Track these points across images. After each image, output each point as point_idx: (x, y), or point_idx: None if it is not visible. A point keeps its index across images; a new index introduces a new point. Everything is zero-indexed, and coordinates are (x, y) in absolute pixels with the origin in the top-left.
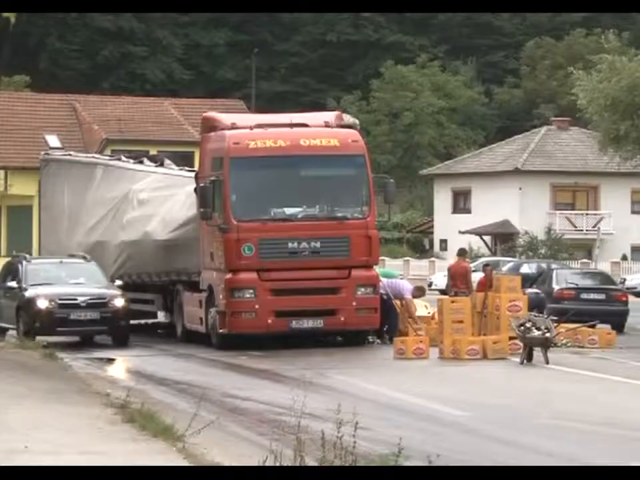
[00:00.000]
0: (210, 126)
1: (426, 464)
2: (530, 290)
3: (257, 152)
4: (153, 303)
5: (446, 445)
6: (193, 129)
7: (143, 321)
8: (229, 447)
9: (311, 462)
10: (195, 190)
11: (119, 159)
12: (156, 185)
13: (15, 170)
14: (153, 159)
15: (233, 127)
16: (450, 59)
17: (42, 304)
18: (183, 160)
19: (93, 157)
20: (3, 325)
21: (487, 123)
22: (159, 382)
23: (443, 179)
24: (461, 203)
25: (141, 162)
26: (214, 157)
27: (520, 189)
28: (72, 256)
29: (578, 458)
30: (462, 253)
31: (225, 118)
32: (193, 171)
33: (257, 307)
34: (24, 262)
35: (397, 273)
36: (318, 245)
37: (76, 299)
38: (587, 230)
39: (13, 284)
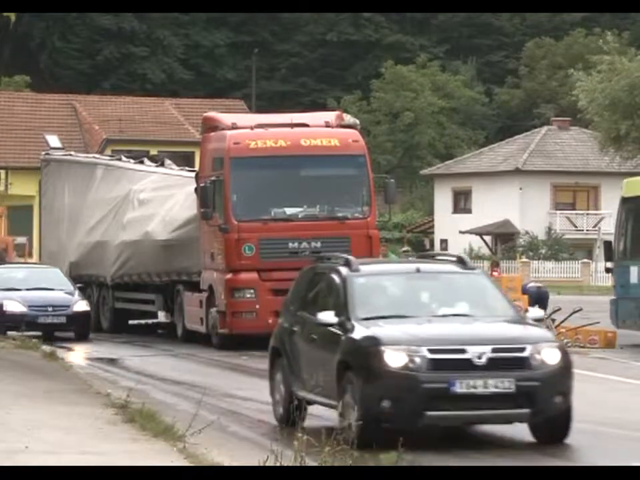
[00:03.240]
0: (210, 126)
1: (426, 464)
2: (531, 284)
3: (257, 152)
4: (153, 303)
5: (446, 444)
6: (193, 129)
7: (143, 321)
8: (229, 447)
9: (311, 462)
10: (195, 190)
11: (119, 159)
12: (156, 185)
13: (15, 170)
14: (153, 158)
15: (234, 126)
16: (450, 59)
17: (394, 359)
18: (183, 160)
19: (94, 157)
20: (308, 396)
21: (487, 122)
22: (160, 382)
23: (443, 179)
24: (461, 202)
25: (141, 162)
26: (214, 156)
27: (520, 188)
28: (433, 257)
29: (578, 458)
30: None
31: (226, 118)
32: (193, 170)
33: (257, 306)
34: (344, 272)
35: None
36: (318, 244)
37: (464, 350)
38: (587, 230)
39: (327, 317)
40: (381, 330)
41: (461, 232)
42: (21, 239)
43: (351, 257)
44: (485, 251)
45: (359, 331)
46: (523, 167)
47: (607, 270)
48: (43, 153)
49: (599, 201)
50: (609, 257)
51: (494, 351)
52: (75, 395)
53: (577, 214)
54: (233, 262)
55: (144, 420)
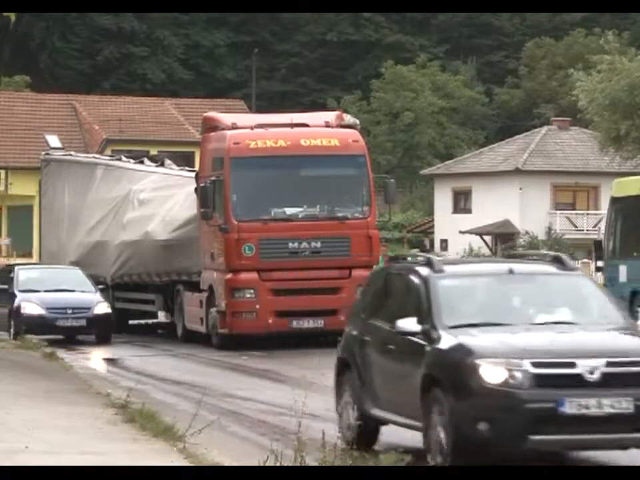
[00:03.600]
0: (210, 126)
1: (426, 464)
2: None
3: (257, 152)
4: (153, 303)
5: None
6: (193, 129)
7: (143, 321)
8: (229, 447)
9: (311, 462)
10: (195, 190)
11: (119, 159)
12: (156, 185)
13: (15, 170)
14: (153, 158)
15: (234, 126)
16: (450, 59)
17: (492, 374)
18: (183, 160)
19: (94, 157)
20: (384, 415)
21: (487, 122)
22: (160, 382)
23: (443, 179)
24: (461, 202)
25: (141, 162)
26: (214, 156)
27: (520, 188)
28: (524, 256)
29: (579, 458)
30: None
31: (226, 118)
32: (193, 170)
33: (257, 306)
34: (426, 273)
35: None
36: (318, 244)
37: (573, 364)
38: (587, 230)
39: (409, 324)
40: (473, 340)
41: (460, 232)
42: (4, 241)
43: (432, 256)
44: (485, 250)
45: (447, 341)
46: (523, 167)
47: (597, 269)
48: (43, 153)
49: (599, 200)
50: (599, 256)
51: (608, 364)
52: (75, 395)
53: (576, 214)
54: (233, 262)
55: (144, 420)
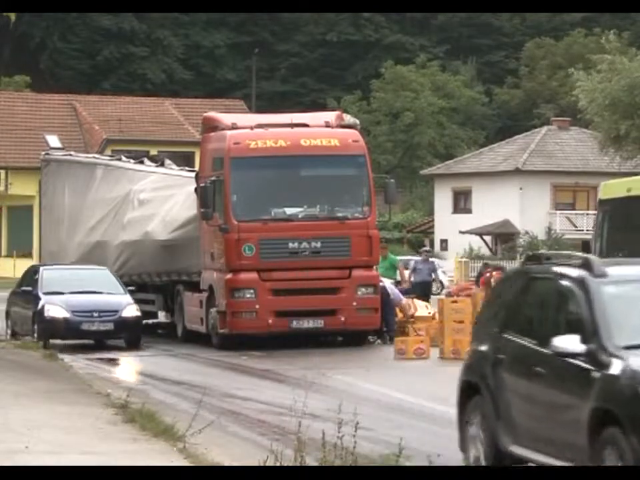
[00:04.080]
0: (210, 126)
1: (426, 464)
2: None
3: (257, 152)
4: (153, 303)
5: (446, 444)
6: (193, 129)
7: (143, 321)
8: (229, 447)
9: (311, 462)
10: (196, 190)
11: (119, 159)
12: (156, 185)
13: (15, 170)
14: (153, 159)
15: (234, 127)
16: (450, 59)
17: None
18: (183, 160)
19: (93, 157)
20: (529, 454)
21: (487, 122)
22: (160, 382)
23: (443, 179)
24: (461, 202)
25: (141, 162)
26: (214, 156)
27: (520, 188)
28: None
29: None
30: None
31: (226, 118)
32: (193, 170)
33: (257, 307)
34: (584, 277)
35: (397, 259)
36: (318, 245)
37: None
38: (587, 230)
39: (570, 343)
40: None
41: (460, 232)
42: None
43: (591, 256)
44: (485, 251)
45: (624, 366)
46: (523, 167)
47: None
48: (43, 153)
49: None
50: None
51: None
52: (75, 395)
53: (576, 214)
54: (233, 262)
55: (144, 420)
